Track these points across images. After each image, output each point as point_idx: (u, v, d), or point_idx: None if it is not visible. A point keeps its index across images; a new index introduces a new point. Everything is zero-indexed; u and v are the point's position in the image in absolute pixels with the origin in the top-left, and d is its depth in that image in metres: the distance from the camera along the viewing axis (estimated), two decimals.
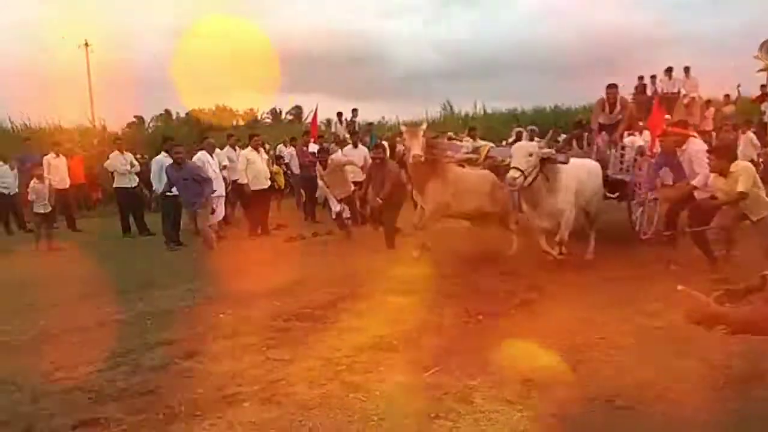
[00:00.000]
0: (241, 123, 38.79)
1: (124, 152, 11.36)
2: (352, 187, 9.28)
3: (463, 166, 7.24)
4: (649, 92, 16.66)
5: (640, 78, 17.04)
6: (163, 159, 9.84)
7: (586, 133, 8.18)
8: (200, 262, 7.95)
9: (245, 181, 10.07)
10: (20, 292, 6.77)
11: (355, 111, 17.71)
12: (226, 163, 10.87)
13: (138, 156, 13.88)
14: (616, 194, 7.55)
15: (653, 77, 16.91)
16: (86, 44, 25.69)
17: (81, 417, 3.39)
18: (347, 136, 13.77)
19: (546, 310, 5.06)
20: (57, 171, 11.81)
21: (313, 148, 11.86)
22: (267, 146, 13.36)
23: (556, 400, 3.34)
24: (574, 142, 8.18)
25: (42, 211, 9.91)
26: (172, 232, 9.45)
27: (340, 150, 11.10)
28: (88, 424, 3.32)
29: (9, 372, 4.19)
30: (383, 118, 25.40)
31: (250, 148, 10.39)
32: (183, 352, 4.41)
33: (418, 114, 26.15)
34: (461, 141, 8.16)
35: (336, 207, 9.21)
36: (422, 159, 6.59)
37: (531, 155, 5.92)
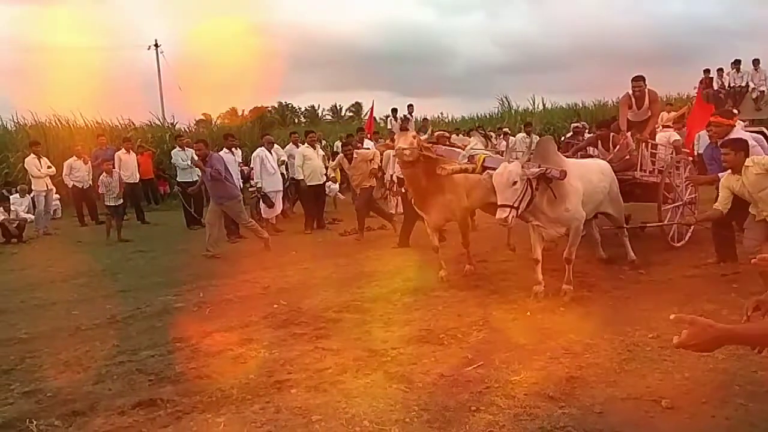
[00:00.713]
0: (303, 120, 39.62)
1: (185, 148, 11.83)
2: (374, 182, 9.42)
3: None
4: (715, 86, 15.93)
5: (707, 71, 16.29)
6: (224, 155, 10.18)
7: (613, 134, 7.17)
8: (257, 254, 8.21)
9: (302, 177, 10.34)
10: (91, 281, 7.19)
11: (410, 107, 17.75)
12: (284, 158, 11.17)
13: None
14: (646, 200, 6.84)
15: (720, 70, 16.14)
16: (156, 45, 26.75)
17: (140, 397, 3.61)
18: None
19: (597, 308, 4.99)
20: (127, 166, 12.43)
21: (369, 144, 12.01)
22: (324, 142, 13.62)
23: (600, 398, 3.31)
24: (599, 144, 7.24)
25: (112, 204, 10.47)
26: (233, 226, 9.79)
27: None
28: (147, 404, 3.52)
29: (77, 354, 4.50)
30: (442, 113, 25.42)
31: (306, 144, 10.64)
32: (237, 340, 4.60)
33: (477, 109, 26.05)
34: (461, 144, 7.15)
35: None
36: (408, 156, 5.89)
37: (516, 183, 5.00)
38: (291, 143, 11.76)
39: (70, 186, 12.72)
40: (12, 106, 17.38)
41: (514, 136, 15.28)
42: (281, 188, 10.61)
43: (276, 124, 28.55)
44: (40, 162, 11.88)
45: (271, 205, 10.19)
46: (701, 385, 3.36)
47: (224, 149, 10.37)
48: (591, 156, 7.14)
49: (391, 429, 3.10)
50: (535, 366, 3.78)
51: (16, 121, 17.62)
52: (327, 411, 3.31)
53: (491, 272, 6.22)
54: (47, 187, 11.87)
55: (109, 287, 6.76)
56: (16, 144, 16.07)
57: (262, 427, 3.19)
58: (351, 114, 40.32)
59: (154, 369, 4.08)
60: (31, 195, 11.94)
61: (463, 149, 6.23)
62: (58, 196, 13.33)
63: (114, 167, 11.29)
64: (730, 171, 5.24)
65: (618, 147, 6.94)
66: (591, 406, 3.22)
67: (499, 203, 5.06)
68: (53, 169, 12.21)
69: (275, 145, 11.19)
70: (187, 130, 20.69)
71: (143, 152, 14.79)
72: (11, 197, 11.70)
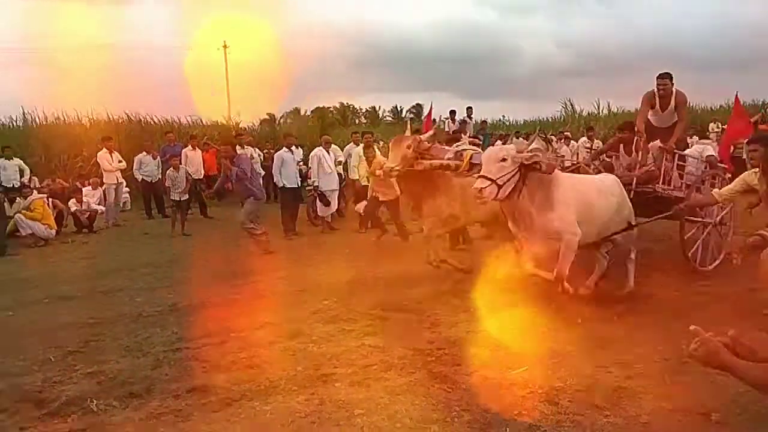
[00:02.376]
0: (364, 121, 39.99)
1: (245, 146, 12.19)
2: (398, 192, 8.54)
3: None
4: None
5: None
6: (283, 153, 10.44)
7: (637, 137, 6.37)
8: (311, 251, 8.38)
9: (356, 177, 10.48)
10: (155, 271, 7.53)
11: (469, 109, 17.64)
12: (341, 159, 11.34)
13: (266, 150, 14.87)
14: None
15: None
16: (225, 46, 27.64)
17: (194, 383, 3.78)
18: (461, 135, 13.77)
19: (651, 319, 4.84)
20: (193, 162, 12.94)
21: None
22: (382, 143, 13.71)
23: (647, 408, 3.24)
24: (621, 148, 6.49)
25: (178, 199, 10.92)
26: (290, 222, 10.03)
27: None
28: (200, 390, 3.68)
29: (138, 340, 4.74)
30: (503, 116, 25.12)
31: (363, 145, 10.76)
32: (287, 333, 4.73)
33: (539, 113, 25.60)
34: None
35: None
36: (396, 172, 5.71)
37: (505, 160, 4.67)
38: (351, 143, 11.91)
39: (140, 180, 13.34)
40: (87, 102, 18.32)
41: (576, 140, 14.96)
42: (337, 187, 10.78)
43: (337, 125, 28.95)
44: (111, 156, 12.52)
45: (327, 203, 10.37)
46: (754, 402, 3.23)
47: (284, 148, 10.63)
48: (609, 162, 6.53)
49: (432, 428, 3.13)
50: (582, 374, 3.72)
51: (90, 117, 18.58)
52: (369, 406, 3.37)
53: (545, 280, 6.11)
54: (117, 180, 12.51)
55: (171, 277, 7.07)
56: (90, 139, 16.94)
57: (306, 417, 3.28)
58: (411, 116, 40.38)
59: (207, 357, 4.26)
60: (103, 188, 12.58)
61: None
62: (127, 189, 14.02)
63: (181, 163, 11.78)
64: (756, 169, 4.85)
65: (640, 153, 6.24)
66: (637, 417, 3.15)
67: (480, 174, 4.69)
68: (124, 163, 12.83)
69: (333, 145, 11.38)
70: (252, 128, 21.29)
71: (209, 149, 15.32)
72: (84, 189, 12.37)
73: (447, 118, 17.58)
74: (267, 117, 30.60)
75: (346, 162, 11.63)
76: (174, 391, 3.68)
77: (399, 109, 44.16)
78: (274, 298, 5.93)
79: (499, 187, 4.63)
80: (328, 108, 33.28)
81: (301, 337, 4.65)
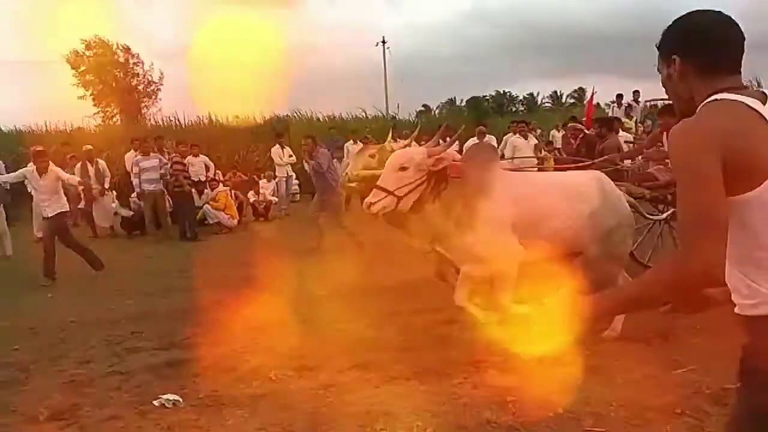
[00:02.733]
0: (521, 108, 39.12)
1: (398, 140, 12.59)
2: None
3: None
4: None
5: None
6: None
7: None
8: None
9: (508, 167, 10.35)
10: (323, 257, 8.13)
11: (636, 93, 16.51)
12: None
13: (422, 142, 15.23)
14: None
15: None
16: (383, 41, 28.60)
17: (357, 360, 4.10)
18: (625, 120, 13.00)
19: None
20: (354, 155, 13.67)
21: None
22: (539, 131, 13.41)
23: None
24: (665, 137, 5.34)
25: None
26: None
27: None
28: (361, 366, 4.00)
29: (310, 318, 5.19)
30: None
31: (516, 134, 10.59)
32: (444, 319, 4.91)
33: None
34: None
35: None
36: (355, 183, 4.80)
37: (405, 169, 3.96)
38: (510, 132, 11.77)
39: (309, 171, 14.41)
40: (259, 101, 20.10)
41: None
42: None
43: (492, 113, 28.72)
44: (282, 151, 13.63)
45: None
46: None
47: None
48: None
49: (586, 419, 3.13)
50: None
51: (263, 115, 20.32)
52: (521, 393, 3.44)
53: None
54: (287, 173, 13.59)
55: (336, 263, 7.58)
56: (265, 135, 18.53)
57: (459, 399, 3.44)
58: (572, 101, 38.67)
59: (369, 337, 4.57)
60: (275, 180, 13.75)
61: None
62: (297, 181, 15.16)
63: (344, 157, 12.54)
64: None
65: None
66: None
67: (376, 185, 4.03)
68: (294, 157, 13.90)
69: (489, 136, 11.36)
70: (409, 120, 21.89)
71: (367, 142, 16.05)
72: (260, 182, 13.61)
73: (613, 102, 16.64)
74: (422, 109, 31.20)
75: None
76: (339, 367, 4.03)
77: (559, 94, 42.54)
78: (431, 285, 6.14)
79: (398, 199, 3.96)
80: (484, 97, 33.05)
81: (456, 323, 4.80)
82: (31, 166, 7.68)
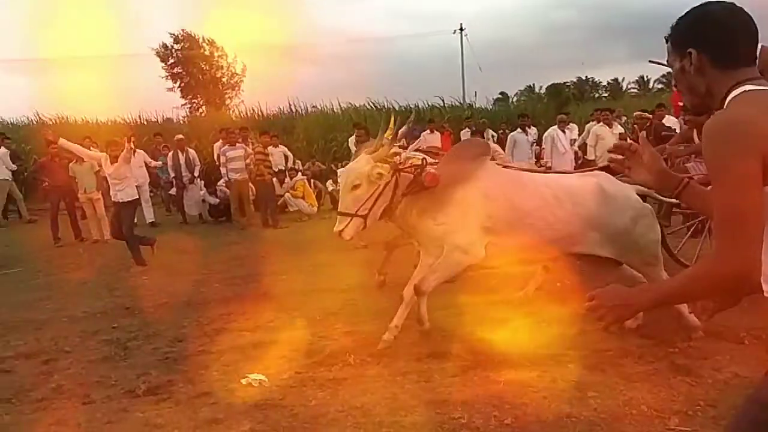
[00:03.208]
0: (604, 95, 37.64)
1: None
2: None
3: None
4: None
5: None
6: (516, 134, 10.47)
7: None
8: None
9: (592, 158, 10.03)
10: None
11: None
12: (574, 137, 10.94)
13: (500, 131, 15.05)
14: None
15: None
16: (461, 29, 28.26)
17: (433, 349, 4.15)
18: None
19: None
20: (431, 144, 13.70)
21: (671, 121, 10.99)
22: (624, 119, 12.89)
23: None
24: (695, 135, 5.14)
25: None
26: None
27: None
28: (438, 355, 4.05)
29: (386, 306, 5.27)
30: None
31: (600, 123, 10.23)
32: (521, 311, 4.87)
33: None
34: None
35: None
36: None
37: (357, 187, 3.91)
38: (593, 120, 11.39)
39: None
40: (336, 91, 20.47)
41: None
42: (571, 168, 10.46)
43: (572, 100, 27.84)
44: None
45: None
46: None
47: (517, 129, 10.65)
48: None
49: (672, 418, 3.04)
50: None
51: (340, 105, 20.65)
52: (603, 390, 3.37)
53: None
54: None
55: (413, 251, 7.63)
56: (343, 125, 18.84)
57: (538, 393, 3.41)
58: (661, 86, 36.79)
59: (445, 326, 4.59)
60: None
61: None
62: None
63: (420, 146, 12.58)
64: None
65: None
66: None
67: (338, 211, 4.04)
68: None
69: (571, 124, 11.04)
70: (486, 108, 21.61)
71: (444, 131, 16.00)
72: (338, 171, 13.87)
73: None
74: (500, 96, 30.66)
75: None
76: (416, 354, 4.09)
77: (645, 79, 40.56)
78: (510, 276, 6.09)
79: (363, 217, 3.94)
80: (564, 83, 32.01)
81: (533, 316, 4.76)
82: (105, 155, 8.17)
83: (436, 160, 4.28)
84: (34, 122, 20.48)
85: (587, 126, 11.56)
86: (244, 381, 3.78)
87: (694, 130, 5.38)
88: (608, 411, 3.15)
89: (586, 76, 40.17)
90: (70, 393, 3.81)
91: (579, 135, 11.72)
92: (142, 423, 3.31)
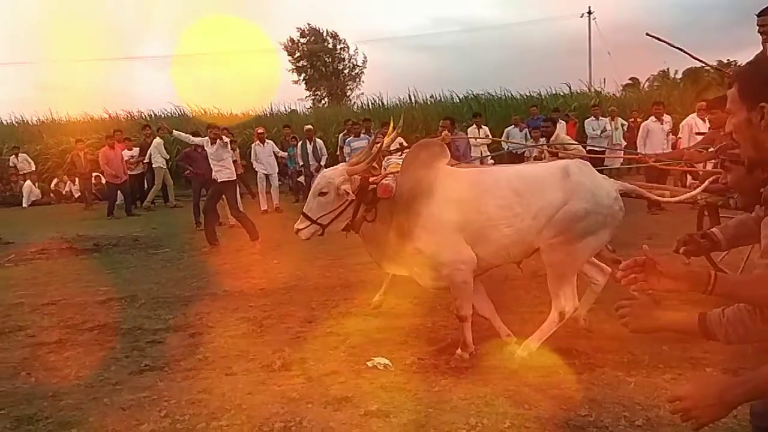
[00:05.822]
0: None
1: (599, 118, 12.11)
2: None
3: None
4: None
5: None
6: (650, 123, 9.90)
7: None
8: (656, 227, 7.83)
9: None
10: None
11: None
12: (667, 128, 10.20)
13: (631, 120, 14.35)
14: None
15: None
16: (589, 12, 27.02)
17: (559, 344, 4.05)
18: None
19: None
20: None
21: None
22: None
23: None
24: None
25: None
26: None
27: None
28: (564, 351, 3.97)
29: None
30: None
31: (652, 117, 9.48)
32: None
33: None
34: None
35: None
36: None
37: (324, 194, 3.88)
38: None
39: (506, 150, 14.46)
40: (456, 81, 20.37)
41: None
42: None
43: (714, 86, 25.67)
44: (479, 131, 13.75)
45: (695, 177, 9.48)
46: None
47: (651, 117, 10.07)
48: None
49: None
50: None
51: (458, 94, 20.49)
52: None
53: None
54: (481, 153, 13.68)
55: None
56: (462, 114, 18.74)
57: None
58: None
59: (569, 321, 4.47)
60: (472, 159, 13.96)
61: None
62: (492, 161, 15.16)
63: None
64: None
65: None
66: None
67: (302, 212, 4.04)
68: (490, 136, 13.95)
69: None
70: (614, 95, 20.54)
71: (570, 121, 15.46)
72: None
73: None
74: (630, 82, 28.93)
75: None
76: (540, 349, 4.03)
77: None
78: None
79: (323, 226, 3.96)
80: (703, 67, 29.56)
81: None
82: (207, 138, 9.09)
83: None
84: (176, 114, 22.31)
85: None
86: (369, 363, 3.94)
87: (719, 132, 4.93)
88: (748, 418, 2.95)
89: (728, 59, 36.85)
90: (214, 364, 4.18)
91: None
92: (279, 395, 3.56)
